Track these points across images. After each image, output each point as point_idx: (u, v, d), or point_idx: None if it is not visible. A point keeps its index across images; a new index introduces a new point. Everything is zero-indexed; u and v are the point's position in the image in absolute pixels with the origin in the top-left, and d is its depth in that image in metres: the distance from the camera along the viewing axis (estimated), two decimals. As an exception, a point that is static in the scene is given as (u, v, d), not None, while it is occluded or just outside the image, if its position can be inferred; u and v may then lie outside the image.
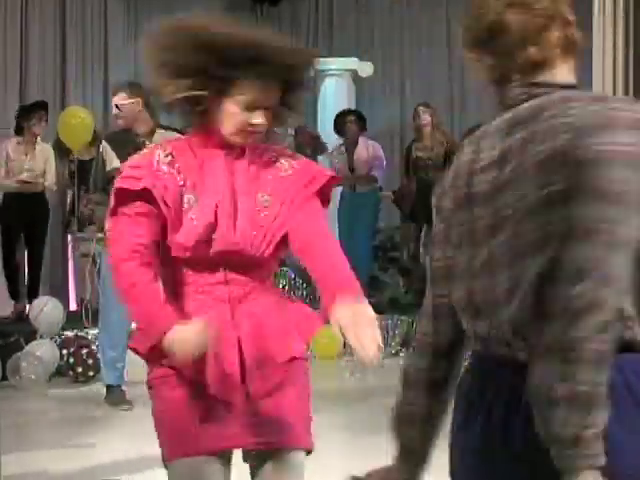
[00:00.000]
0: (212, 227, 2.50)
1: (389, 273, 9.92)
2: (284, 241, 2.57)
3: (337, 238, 9.14)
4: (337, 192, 9.75)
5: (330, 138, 10.41)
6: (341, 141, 9.73)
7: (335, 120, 9.63)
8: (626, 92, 5.96)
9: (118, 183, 2.53)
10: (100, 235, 6.80)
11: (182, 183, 2.52)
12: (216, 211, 2.50)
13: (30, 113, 8.85)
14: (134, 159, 2.63)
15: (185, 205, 2.51)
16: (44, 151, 8.93)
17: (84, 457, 5.48)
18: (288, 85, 2.56)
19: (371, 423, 6.21)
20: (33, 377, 7.53)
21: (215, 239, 2.50)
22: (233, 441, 2.57)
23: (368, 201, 9.54)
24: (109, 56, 10.99)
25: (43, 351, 7.66)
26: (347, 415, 6.67)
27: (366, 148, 9.52)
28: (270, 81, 2.50)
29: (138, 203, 2.50)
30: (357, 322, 2.14)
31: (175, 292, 2.57)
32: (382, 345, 2.16)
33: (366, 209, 9.53)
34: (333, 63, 10.91)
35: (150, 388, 2.65)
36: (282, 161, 2.62)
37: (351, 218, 9.52)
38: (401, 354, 8.69)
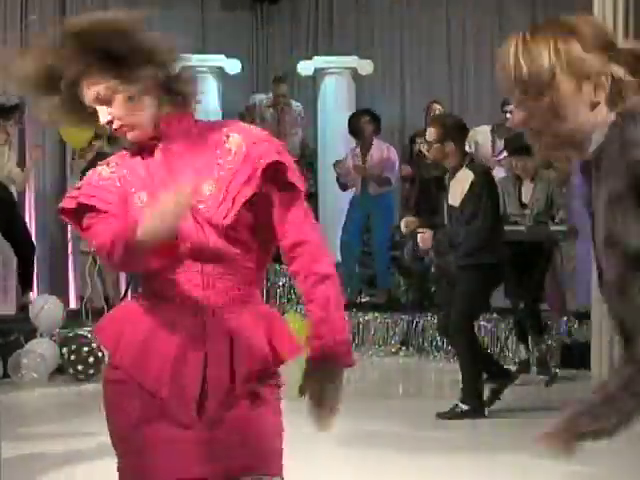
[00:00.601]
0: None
1: (389, 272, 9.93)
2: (264, 243, 2.43)
3: (350, 240, 8.96)
4: (347, 198, 9.78)
5: (329, 136, 10.44)
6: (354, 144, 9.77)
7: (349, 121, 9.64)
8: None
9: (61, 204, 2.46)
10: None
11: (130, 183, 2.39)
12: None
13: (9, 114, 8.92)
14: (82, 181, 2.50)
15: (139, 204, 2.36)
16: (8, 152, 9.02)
17: (81, 443, 5.54)
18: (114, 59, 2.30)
19: (371, 422, 6.22)
20: (35, 375, 7.56)
21: (181, 237, 2.31)
22: (191, 472, 2.35)
23: (381, 204, 9.54)
24: (109, 55, 11.00)
25: (44, 349, 7.69)
26: (347, 414, 6.68)
27: (380, 150, 9.56)
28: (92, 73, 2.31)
29: (93, 214, 2.41)
30: (323, 393, 2.35)
31: (146, 298, 2.42)
32: (337, 408, 2.39)
33: (380, 211, 9.53)
34: (333, 61, 10.92)
35: (103, 387, 2.46)
36: (228, 141, 2.38)
37: (365, 222, 9.54)
38: (401, 353, 8.71)
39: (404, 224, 6.53)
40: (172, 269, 2.35)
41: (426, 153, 6.64)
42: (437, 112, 9.50)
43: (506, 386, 6.35)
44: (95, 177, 2.45)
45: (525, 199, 7.53)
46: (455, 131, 6.32)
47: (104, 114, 2.33)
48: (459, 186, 6.24)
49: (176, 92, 2.38)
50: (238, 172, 2.34)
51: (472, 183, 6.17)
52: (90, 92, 2.32)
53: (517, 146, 7.51)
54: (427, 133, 6.44)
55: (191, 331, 2.34)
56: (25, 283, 9.08)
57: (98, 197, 2.40)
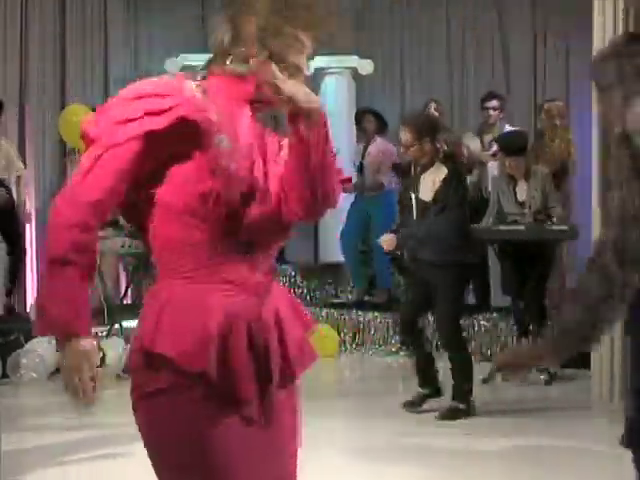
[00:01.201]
0: (253, 183, 2.10)
1: (389, 272, 9.92)
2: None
3: (350, 240, 8.90)
4: (347, 197, 9.78)
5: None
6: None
7: (355, 116, 9.98)
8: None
9: (144, 125, 2.02)
10: (101, 234, 6.82)
11: (217, 119, 2.11)
12: (252, 166, 2.12)
13: None
14: (156, 87, 2.08)
15: (217, 146, 2.08)
16: (5, 146, 9.02)
17: (81, 442, 5.54)
18: None
19: (372, 423, 6.22)
20: (34, 375, 7.56)
21: (254, 201, 2.09)
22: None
23: (381, 203, 9.56)
24: (109, 56, 10.99)
25: (44, 349, 7.69)
26: (347, 413, 6.68)
27: (378, 150, 9.62)
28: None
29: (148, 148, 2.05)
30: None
31: (194, 280, 2.13)
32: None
33: (380, 211, 9.55)
34: (333, 61, 10.92)
35: (142, 403, 2.20)
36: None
37: (365, 221, 9.56)
38: (401, 352, 8.71)
39: (385, 245, 6.48)
40: (232, 252, 2.13)
41: (403, 153, 6.68)
42: (433, 111, 9.51)
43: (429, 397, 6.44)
44: (189, 93, 2.11)
45: (521, 197, 7.52)
46: (429, 129, 6.39)
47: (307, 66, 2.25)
48: (430, 181, 6.33)
49: None
50: None
51: (445, 177, 6.27)
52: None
53: (509, 146, 7.53)
54: (401, 135, 6.43)
55: (253, 315, 2.13)
56: (13, 284, 9.03)
57: (199, 119, 2.07)
